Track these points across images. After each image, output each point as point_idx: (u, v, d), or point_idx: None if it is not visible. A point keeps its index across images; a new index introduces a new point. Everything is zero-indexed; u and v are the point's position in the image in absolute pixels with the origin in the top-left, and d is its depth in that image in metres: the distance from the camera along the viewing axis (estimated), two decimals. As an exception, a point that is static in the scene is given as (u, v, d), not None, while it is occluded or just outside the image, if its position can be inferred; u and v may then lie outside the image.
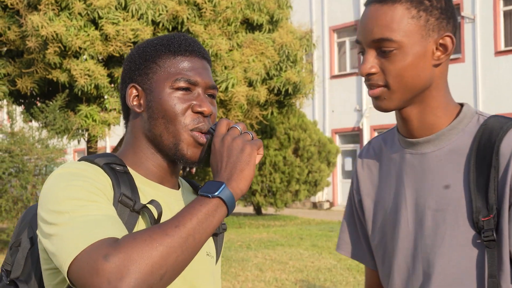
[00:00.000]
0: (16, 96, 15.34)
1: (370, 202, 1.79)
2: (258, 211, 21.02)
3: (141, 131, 1.62)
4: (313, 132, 20.30)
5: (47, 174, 12.86)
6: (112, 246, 1.28)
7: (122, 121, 20.59)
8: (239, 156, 1.44)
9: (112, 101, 14.22)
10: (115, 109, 14.41)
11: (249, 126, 15.95)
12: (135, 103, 1.62)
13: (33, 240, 1.63)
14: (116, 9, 13.84)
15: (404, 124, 1.67)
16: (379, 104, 1.62)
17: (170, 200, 1.61)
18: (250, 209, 23.19)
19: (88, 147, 16.18)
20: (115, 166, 1.55)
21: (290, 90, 15.33)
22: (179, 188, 1.70)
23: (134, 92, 1.62)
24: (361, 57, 1.64)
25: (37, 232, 1.45)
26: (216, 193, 1.38)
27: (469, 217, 1.55)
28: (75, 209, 1.38)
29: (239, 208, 23.67)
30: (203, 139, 1.58)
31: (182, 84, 1.58)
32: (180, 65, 1.60)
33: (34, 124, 15.76)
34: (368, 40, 1.58)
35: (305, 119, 20.42)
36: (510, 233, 1.52)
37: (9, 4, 13.71)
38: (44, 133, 13.62)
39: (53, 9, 13.41)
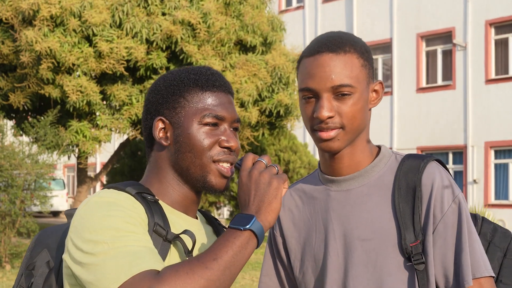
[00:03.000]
0: (7, 111, 15.34)
1: (295, 243, 1.86)
2: (246, 232, 20.98)
3: (167, 162, 1.64)
4: (303, 154, 20.34)
5: (36, 190, 12.83)
6: (155, 278, 1.33)
7: (113, 138, 20.60)
8: (267, 190, 1.49)
9: (104, 118, 14.24)
10: (106, 126, 14.42)
11: (240, 147, 15.97)
12: (161, 135, 1.64)
13: (50, 265, 1.64)
14: (111, 26, 13.90)
15: (334, 163, 1.79)
16: (332, 145, 1.72)
17: (193, 229, 1.63)
18: (238, 230, 23.15)
19: (78, 163, 16.15)
20: (146, 196, 1.57)
21: (281, 112, 15.40)
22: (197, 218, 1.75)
23: (161, 125, 1.64)
24: (305, 103, 1.74)
25: (64, 257, 1.48)
26: (247, 226, 1.44)
27: (398, 244, 1.69)
28: (114, 240, 1.41)
29: (227, 228, 23.61)
30: (228, 173, 1.63)
31: (210, 120, 1.62)
32: (208, 100, 1.64)
33: (25, 138, 15.74)
34: (327, 86, 1.69)
35: (296, 141, 20.47)
36: (435, 256, 1.68)
37: (3, 19, 13.74)
38: (34, 148, 13.60)
39: (48, 25, 13.46)
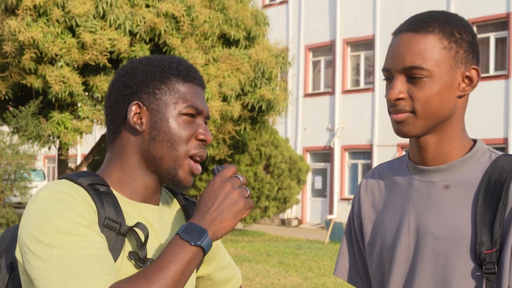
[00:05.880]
0: (-12, 100, 15.25)
1: (370, 227, 1.80)
2: (226, 225, 21.02)
3: (135, 150, 1.59)
4: (284, 149, 20.41)
5: (17, 180, 12.78)
6: None
7: (94, 130, 20.51)
8: (231, 207, 1.48)
9: (86, 109, 14.19)
10: (88, 118, 14.37)
11: (222, 140, 16.01)
12: (136, 120, 1.59)
13: (13, 266, 1.60)
14: (94, 18, 13.85)
15: (419, 152, 1.69)
16: (402, 129, 1.64)
17: (153, 218, 1.61)
18: (218, 223, 23.16)
19: (59, 154, 16.09)
20: (99, 187, 1.53)
21: (263, 107, 15.43)
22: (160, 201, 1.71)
23: (136, 109, 1.59)
24: (387, 84, 1.66)
25: (17, 254, 1.46)
26: (199, 243, 1.43)
27: (472, 249, 1.58)
28: (64, 245, 1.38)
29: (207, 221, 23.62)
30: (198, 171, 1.61)
31: (190, 110, 1.59)
32: (189, 91, 1.61)
33: (5, 129, 15.65)
34: (399, 67, 1.61)
35: (277, 136, 20.53)
36: (511, 269, 1.54)
37: (-14, 8, 13.66)
38: (15, 138, 13.53)
39: (31, 15, 13.39)
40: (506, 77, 20.73)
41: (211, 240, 1.46)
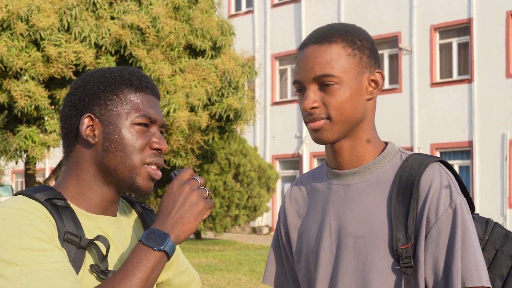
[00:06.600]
0: (-47, 116, 15.08)
1: (296, 234, 1.86)
2: (197, 235, 21.01)
3: (90, 162, 1.59)
4: (253, 158, 20.48)
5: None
6: None
7: (61, 143, 20.31)
8: (191, 209, 1.50)
9: (52, 123, 14.12)
10: (55, 131, 14.30)
11: (190, 150, 16.02)
12: (88, 133, 1.58)
13: None
14: (59, 31, 13.81)
15: (335, 157, 1.76)
16: (320, 136, 1.70)
17: (111, 229, 1.61)
18: (189, 234, 23.12)
19: (27, 169, 15.96)
20: (56, 202, 1.52)
21: (231, 116, 15.49)
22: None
23: (89, 122, 1.58)
24: (300, 95, 1.73)
25: None
26: (162, 247, 1.46)
27: (389, 245, 1.66)
28: (26, 262, 1.38)
29: (178, 232, 23.56)
30: (157, 176, 1.61)
31: (143, 120, 1.59)
32: (141, 101, 1.61)
33: (-29, 144, 15.48)
34: (310, 77, 1.68)
35: (246, 145, 20.60)
36: (425, 261, 1.63)
37: (-51, 23, 13.53)
38: (-18, 153, 13.41)
39: (-5, 29, 13.30)
40: (469, 81, 21.07)
41: (174, 243, 1.48)
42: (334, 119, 1.68)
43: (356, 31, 1.74)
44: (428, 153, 21.56)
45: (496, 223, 1.80)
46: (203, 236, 21.66)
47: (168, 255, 1.48)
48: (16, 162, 15.49)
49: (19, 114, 13.77)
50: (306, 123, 1.71)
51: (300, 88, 1.72)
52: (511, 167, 20.30)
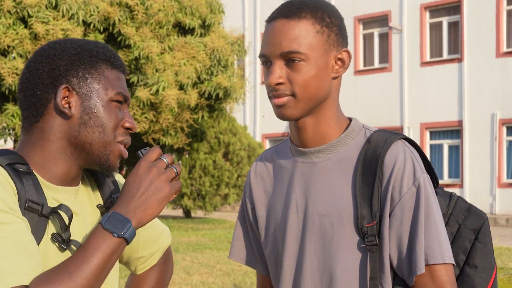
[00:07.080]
0: None
1: (263, 211, 1.85)
2: (187, 214, 21.04)
3: (60, 135, 1.54)
4: (243, 137, 20.47)
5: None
6: None
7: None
8: (155, 194, 1.48)
9: (41, 101, 14.03)
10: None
11: (180, 129, 15.98)
12: (64, 104, 1.54)
13: None
14: (47, 8, 13.69)
15: (299, 134, 1.75)
16: (284, 113, 1.69)
17: (69, 201, 1.58)
18: (179, 212, 23.18)
19: (15, 147, 15.88)
20: (18, 167, 1.48)
21: (220, 95, 15.45)
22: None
23: (64, 93, 1.54)
24: (265, 69, 1.71)
25: None
26: (122, 234, 1.43)
27: (355, 223, 1.66)
28: None
29: (168, 211, 23.60)
30: (126, 154, 1.60)
31: (119, 97, 1.58)
32: (118, 78, 1.60)
33: (-41, 122, 15.39)
34: (277, 53, 1.66)
35: (236, 124, 20.57)
36: (390, 239, 1.64)
37: None
38: (-31, 132, 13.33)
39: (-19, 6, 13.17)
40: (459, 60, 21.07)
41: (134, 229, 1.46)
42: (298, 96, 1.67)
43: (326, 7, 1.71)
44: (418, 132, 21.61)
45: (459, 197, 1.80)
46: (192, 214, 21.70)
47: (128, 242, 1.45)
48: (5, 141, 15.42)
49: (6, 91, 13.68)
50: (270, 98, 1.70)
51: (266, 61, 1.70)
52: (501, 147, 20.38)
